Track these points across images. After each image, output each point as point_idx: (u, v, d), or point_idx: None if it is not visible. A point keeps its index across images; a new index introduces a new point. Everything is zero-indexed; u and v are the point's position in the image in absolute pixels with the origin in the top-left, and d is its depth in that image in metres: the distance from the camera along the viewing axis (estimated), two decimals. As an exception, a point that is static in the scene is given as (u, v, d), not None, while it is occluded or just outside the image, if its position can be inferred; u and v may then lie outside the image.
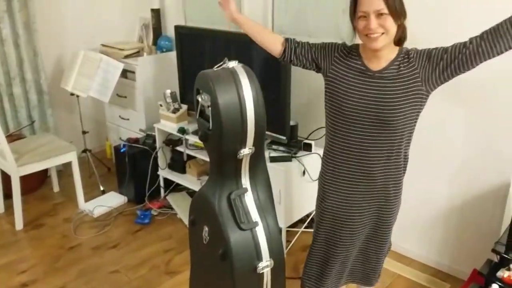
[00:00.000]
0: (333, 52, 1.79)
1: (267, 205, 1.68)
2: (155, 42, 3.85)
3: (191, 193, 3.50)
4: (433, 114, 2.47)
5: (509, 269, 2.05)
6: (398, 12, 1.60)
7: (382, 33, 1.61)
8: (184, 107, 3.37)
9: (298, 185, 2.84)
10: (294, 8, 2.98)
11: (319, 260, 1.97)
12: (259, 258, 1.61)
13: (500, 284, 2.02)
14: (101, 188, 3.62)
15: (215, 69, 1.54)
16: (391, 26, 1.61)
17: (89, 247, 3.00)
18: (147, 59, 3.60)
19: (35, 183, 3.68)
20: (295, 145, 2.92)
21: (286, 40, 1.84)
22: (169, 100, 3.35)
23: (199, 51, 3.21)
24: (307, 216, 3.05)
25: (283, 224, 2.81)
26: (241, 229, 1.60)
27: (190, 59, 3.28)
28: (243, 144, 1.55)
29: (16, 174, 3.06)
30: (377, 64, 1.71)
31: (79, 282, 2.67)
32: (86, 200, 3.46)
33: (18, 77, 3.63)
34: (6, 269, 2.78)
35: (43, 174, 3.71)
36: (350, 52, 1.77)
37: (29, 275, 2.73)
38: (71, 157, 3.30)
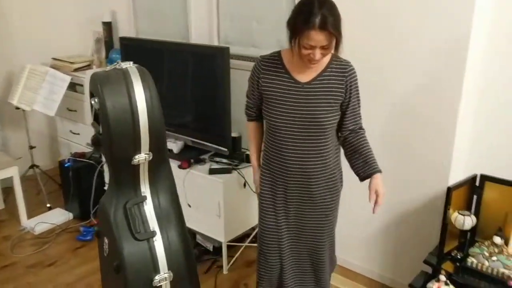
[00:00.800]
0: (259, 74, 1.86)
1: (170, 214, 1.59)
2: (107, 55, 3.78)
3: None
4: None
5: (438, 280, 1.97)
6: (340, 41, 1.67)
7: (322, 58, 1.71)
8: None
9: (239, 198, 2.75)
10: (239, 18, 2.94)
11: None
12: (156, 270, 1.52)
13: (430, 297, 1.94)
14: (48, 205, 3.51)
15: (107, 69, 1.47)
16: (331, 50, 1.70)
17: (25, 265, 2.87)
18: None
19: (-22, 200, 3.56)
20: (237, 156, 2.84)
21: (254, 121, 2.03)
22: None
23: (144, 61, 3.14)
24: (253, 229, 2.95)
25: (223, 238, 2.72)
26: (136, 239, 1.51)
27: (135, 71, 3.22)
28: (137, 149, 1.47)
29: (-50, 190, 2.95)
30: (306, 76, 1.79)
31: (9, 302, 2.54)
32: (31, 217, 3.34)
33: (-37, 91, 3.54)
34: None
35: (-13, 191, 3.59)
36: (273, 63, 1.84)
37: (-45, 296, 2.59)
38: (12, 172, 3.20)
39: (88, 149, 3.52)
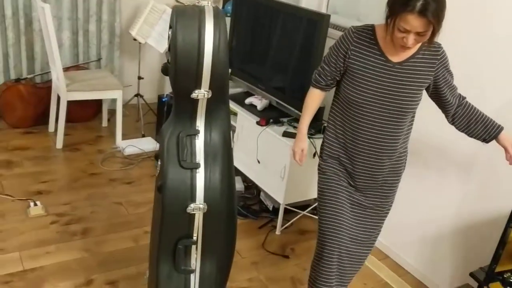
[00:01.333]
0: (349, 46, 1.80)
1: (217, 153, 1.68)
2: (224, 6, 3.95)
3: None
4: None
5: (479, 296, 1.85)
6: (438, 29, 1.61)
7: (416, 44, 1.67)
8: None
9: (305, 166, 2.75)
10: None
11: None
12: (192, 199, 1.63)
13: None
14: (142, 132, 3.84)
15: (186, 5, 1.57)
16: (426, 38, 1.64)
17: (108, 177, 3.22)
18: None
19: (89, 114, 4.00)
20: (316, 126, 2.85)
21: (319, 88, 1.96)
22: (216, 61, 3.43)
23: (251, 16, 3.24)
24: (314, 200, 2.97)
25: (282, 200, 2.78)
26: (181, 166, 1.62)
27: (244, 24, 3.32)
28: (197, 84, 1.57)
29: (64, 98, 3.36)
30: (398, 56, 1.75)
31: (84, 203, 2.88)
32: (125, 139, 3.69)
33: (95, 15, 3.95)
34: (32, 176, 3.09)
35: (98, 108, 4.02)
36: (366, 36, 1.78)
37: (47, 186, 3.00)
38: (117, 94, 3.54)
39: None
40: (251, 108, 3.08)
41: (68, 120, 3.78)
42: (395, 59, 1.74)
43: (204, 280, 1.78)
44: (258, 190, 3.15)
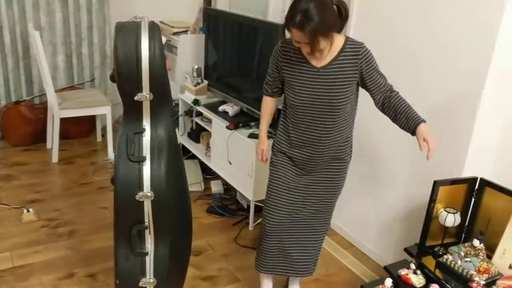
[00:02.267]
0: (279, 59, 2.06)
1: (162, 148, 1.92)
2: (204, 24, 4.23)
3: (202, 163, 3.80)
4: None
5: (408, 268, 2.03)
6: (321, 35, 1.79)
7: (317, 51, 1.86)
8: (205, 82, 3.70)
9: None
10: None
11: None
12: (140, 188, 1.87)
13: (396, 281, 2.01)
14: (132, 145, 4.11)
15: (127, 21, 1.84)
16: (321, 45, 1.83)
17: (98, 186, 3.49)
18: (188, 37, 4.00)
19: (84, 131, 4.31)
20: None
21: (271, 95, 2.22)
22: (194, 74, 3.71)
23: (223, 33, 3.51)
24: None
25: (251, 196, 3.00)
26: (130, 160, 1.87)
27: (215, 40, 3.59)
28: (139, 88, 1.82)
29: (57, 115, 3.67)
30: (321, 61, 1.96)
31: (72, 209, 3.15)
32: (117, 151, 3.96)
33: (87, 39, 4.28)
34: (28, 187, 3.38)
35: (92, 125, 4.32)
36: (292, 48, 1.98)
37: (40, 195, 3.29)
38: (106, 110, 3.84)
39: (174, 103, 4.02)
40: (224, 114, 3.33)
41: (65, 137, 4.11)
42: (319, 64, 1.96)
43: (157, 262, 2.00)
44: (235, 190, 3.37)
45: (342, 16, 1.90)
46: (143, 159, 1.88)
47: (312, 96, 1.98)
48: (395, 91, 2.02)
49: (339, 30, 1.96)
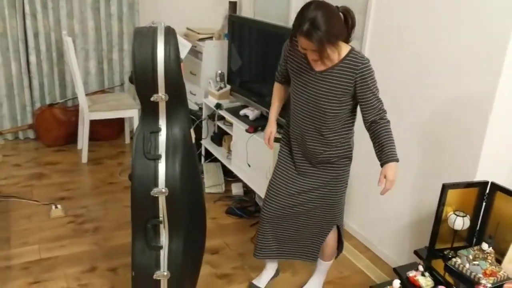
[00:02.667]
0: (286, 54, 2.17)
1: (177, 147, 2.01)
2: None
3: (224, 166, 3.90)
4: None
5: (416, 270, 2.05)
6: (328, 44, 1.84)
7: (322, 58, 1.90)
8: (228, 87, 3.80)
9: (289, 167, 3.05)
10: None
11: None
12: (155, 184, 1.97)
13: (404, 282, 2.04)
14: (158, 147, 4.25)
15: (144, 26, 1.95)
16: (327, 53, 1.88)
17: (123, 186, 3.63)
18: (213, 43, 4.12)
19: (113, 133, 4.49)
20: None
21: (278, 82, 2.34)
22: (218, 79, 3.82)
23: (247, 39, 3.61)
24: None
25: (268, 198, 3.06)
26: (146, 158, 1.97)
27: (238, 46, 3.69)
28: (155, 89, 1.92)
29: (87, 118, 3.84)
30: (321, 66, 2.01)
31: (99, 206, 3.30)
32: (143, 153, 4.11)
33: (117, 46, 4.46)
34: (58, 185, 3.55)
35: (121, 127, 4.49)
36: (297, 49, 2.03)
37: (69, 193, 3.45)
38: (133, 113, 3.99)
39: (198, 107, 4.15)
40: (245, 118, 3.41)
41: (95, 138, 4.29)
42: (318, 68, 2.02)
43: (171, 256, 2.09)
44: (254, 192, 3.44)
45: (348, 25, 1.95)
46: (158, 157, 1.98)
47: (306, 96, 2.07)
48: (385, 119, 2.01)
49: (346, 39, 1.99)
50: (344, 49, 1.97)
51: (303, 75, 2.07)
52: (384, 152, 1.96)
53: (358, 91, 1.98)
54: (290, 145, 2.29)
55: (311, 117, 2.09)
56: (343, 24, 1.91)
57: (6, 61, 4.10)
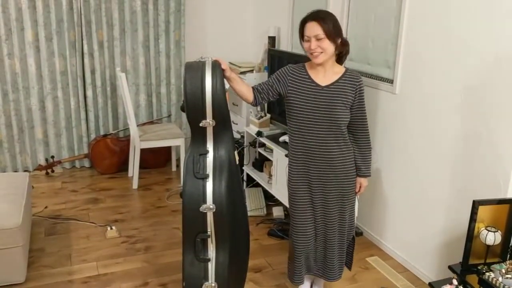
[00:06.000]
0: (287, 76, 2.41)
1: (223, 168, 2.22)
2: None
3: (265, 191, 4.08)
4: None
5: (450, 283, 2.14)
6: (332, 35, 2.22)
7: (321, 52, 2.24)
8: (268, 116, 4.02)
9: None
10: (360, 38, 3.39)
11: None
12: (204, 201, 2.18)
13: (439, 295, 2.13)
14: (203, 174, 4.50)
15: (194, 60, 2.20)
16: (328, 46, 2.24)
17: (171, 209, 3.87)
18: (253, 76, 4.38)
19: (161, 161, 4.78)
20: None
21: (253, 88, 2.41)
22: (258, 108, 4.05)
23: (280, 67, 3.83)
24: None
25: (308, 220, 3.20)
26: (195, 177, 2.19)
27: (277, 76, 3.93)
28: (204, 116, 2.16)
29: (138, 146, 4.15)
30: (324, 80, 2.33)
31: (149, 228, 3.54)
32: (189, 180, 4.36)
33: (165, 80, 4.81)
34: (112, 209, 3.83)
35: (168, 156, 4.78)
36: (299, 71, 2.39)
37: (122, 216, 3.72)
38: (180, 142, 4.27)
39: (239, 136, 4.38)
40: (284, 144, 3.61)
41: (145, 166, 4.59)
42: (323, 83, 2.31)
43: (218, 268, 2.27)
44: (294, 215, 3.59)
45: (344, 46, 2.32)
46: (206, 176, 2.20)
47: (315, 110, 2.29)
48: (367, 131, 2.41)
49: (340, 61, 2.36)
50: (341, 68, 2.34)
51: (309, 92, 2.31)
52: (365, 166, 2.44)
53: (356, 102, 2.33)
54: (301, 165, 2.41)
55: (323, 128, 2.31)
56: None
57: (65, 96, 4.50)
